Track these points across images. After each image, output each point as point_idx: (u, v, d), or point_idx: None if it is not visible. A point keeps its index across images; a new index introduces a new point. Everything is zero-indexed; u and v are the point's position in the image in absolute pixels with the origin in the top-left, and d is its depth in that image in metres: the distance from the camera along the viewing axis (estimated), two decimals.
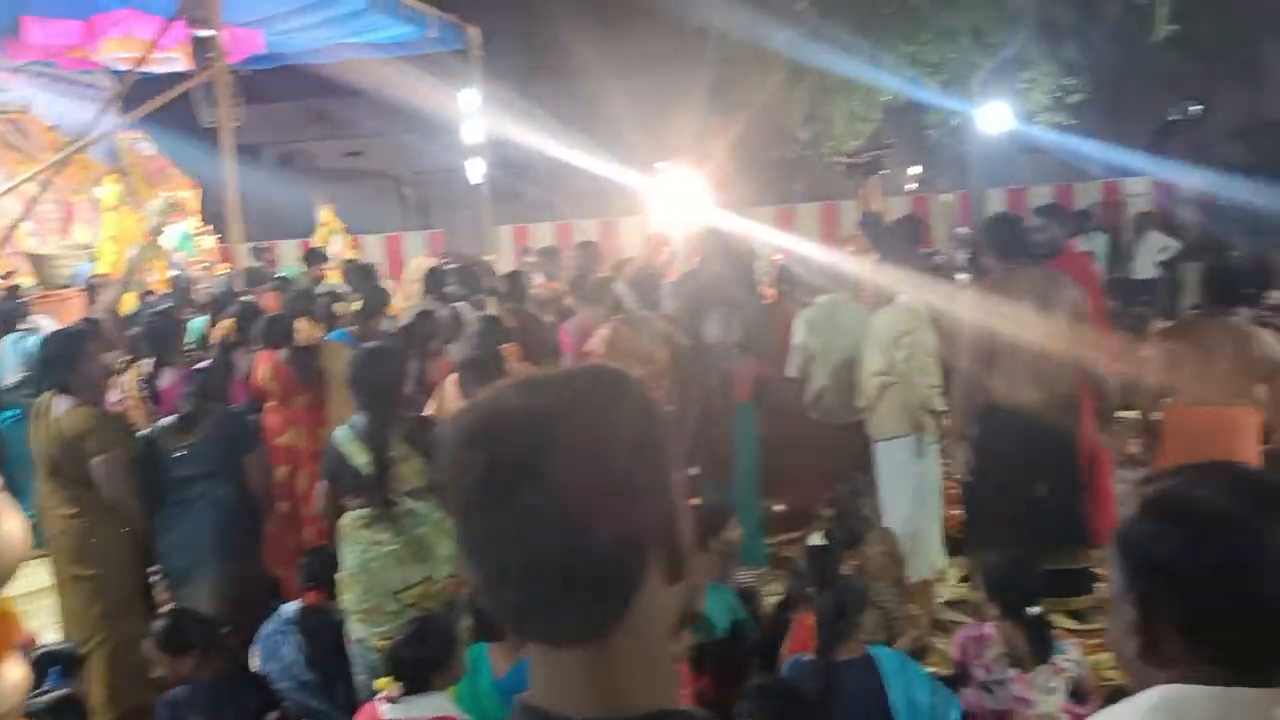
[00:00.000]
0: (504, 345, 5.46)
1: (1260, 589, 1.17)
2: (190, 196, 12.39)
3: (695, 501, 5.25)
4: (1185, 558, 1.20)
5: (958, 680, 3.86)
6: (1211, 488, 1.22)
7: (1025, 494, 4.93)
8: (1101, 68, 13.18)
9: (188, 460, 4.39)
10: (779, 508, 6.43)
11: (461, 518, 0.91)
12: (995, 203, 14.67)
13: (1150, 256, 13.11)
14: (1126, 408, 6.94)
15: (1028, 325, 4.85)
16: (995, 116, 11.72)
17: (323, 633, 4.04)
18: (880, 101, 12.16)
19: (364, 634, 3.87)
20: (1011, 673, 3.71)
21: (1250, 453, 4.94)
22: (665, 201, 11.24)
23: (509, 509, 0.88)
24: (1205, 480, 1.24)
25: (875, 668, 3.56)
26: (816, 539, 3.98)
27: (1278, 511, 1.20)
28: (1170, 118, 16.81)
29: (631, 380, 0.98)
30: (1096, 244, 13.58)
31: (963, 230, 13.76)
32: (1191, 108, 16.60)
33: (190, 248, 11.81)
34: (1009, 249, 5.15)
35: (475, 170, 12.94)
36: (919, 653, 4.47)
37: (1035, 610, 3.72)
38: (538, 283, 8.79)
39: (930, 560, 5.45)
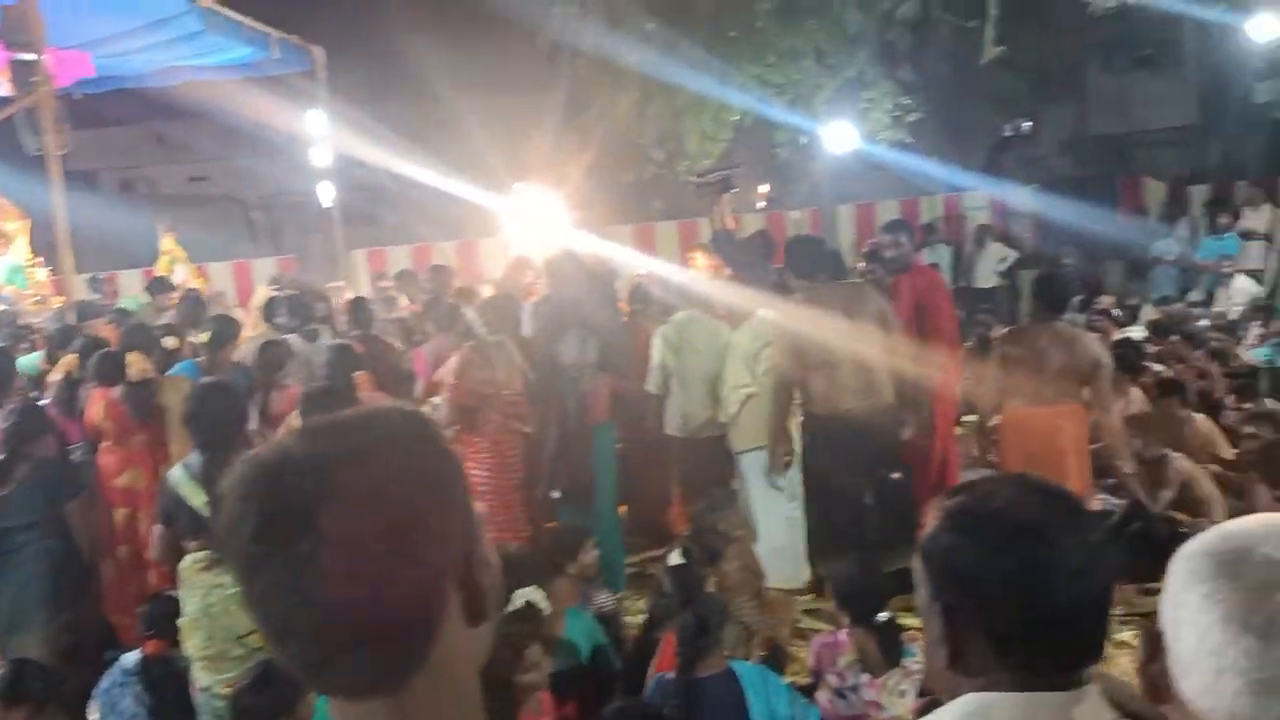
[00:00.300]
0: (355, 375, 5.33)
1: (1057, 596, 1.22)
2: (18, 227, 11.70)
3: (552, 526, 5.24)
4: (986, 568, 1.24)
5: (815, 688, 3.94)
6: (1008, 499, 1.27)
7: (855, 501, 5.12)
8: (937, 88, 13.78)
9: (3, 512, 4.13)
10: (641, 525, 6.48)
11: (241, 571, 0.87)
12: (845, 218, 15.15)
13: (991, 266, 13.78)
14: (969, 412, 7.28)
15: (842, 337, 5.06)
16: (840, 135, 12.11)
17: (165, 682, 3.86)
18: (730, 121, 12.42)
19: (208, 681, 3.71)
20: (864, 678, 3.81)
21: (1080, 448, 5.29)
22: (523, 222, 11.19)
23: (287, 562, 0.84)
24: (1002, 491, 1.29)
25: (736, 682, 3.61)
26: (675, 557, 4.01)
27: (1072, 521, 1.26)
28: (1005, 134, 17.67)
29: (421, 421, 0.96)
30: (941, 256, 14.18)
31: None
32: (1023, 125, 17.51)
33: (22, 281, 11.15)
34: (809, 269, 5.46)
35: (326, 194, 12.64)
36: (780, 663, 4.54)
37: (885, 616, 3.83)
38: (403, 305, 8.64)
39: (792, 571, 5.57)
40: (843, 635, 3.99)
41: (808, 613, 5.42)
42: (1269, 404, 7.09)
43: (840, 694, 3.83)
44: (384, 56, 15.09)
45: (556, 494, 5.45)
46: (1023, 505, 1.26)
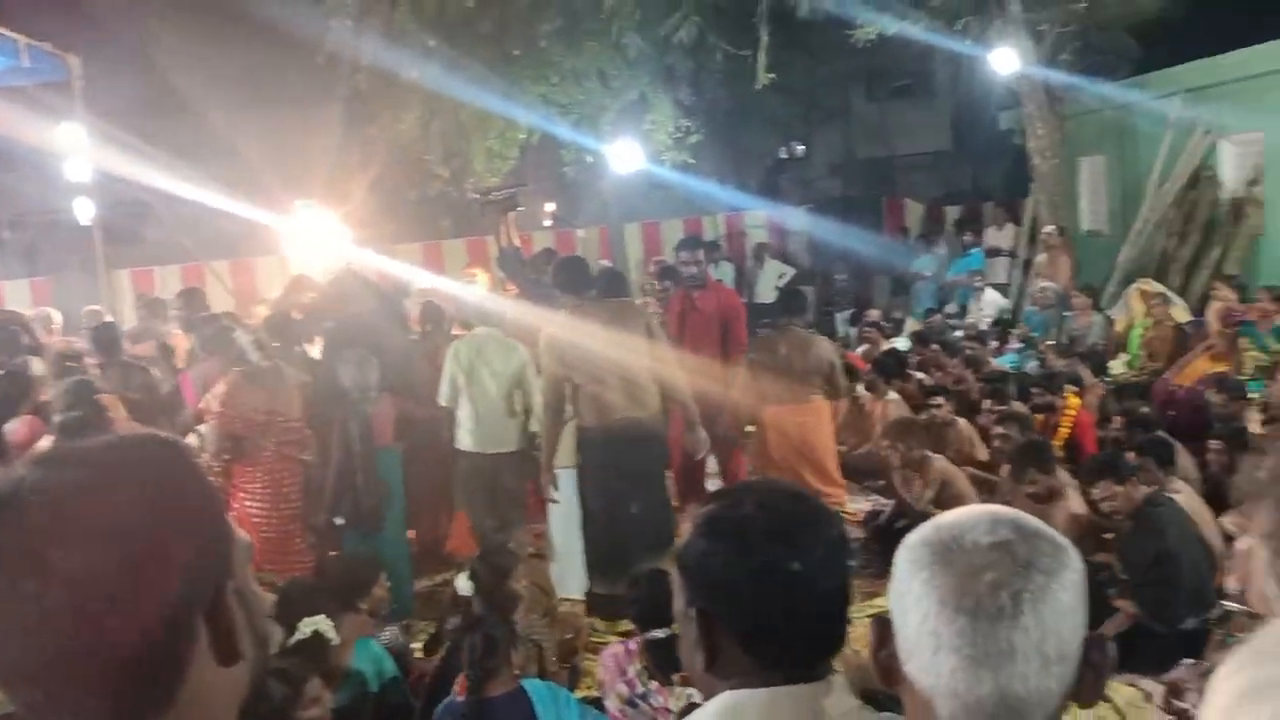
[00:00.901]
0: (102, 402, 4.99)
1: (802, 594, 1.30)
2: None
3: (341, 557, 5.08)
4: (735, 572, 1.31)
5: (605, 699, 3.99)
6: (756, 504, 1.35)
7: (624, 512, 5.27)
8: (716, 111, 14.28)
9: None
10: (429, 548, 6.37)
11: None
12: (632, 236, 15.46)
13: (770, 282, 14.38)
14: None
15: (610, 352, 5.23)
16: (625, 155, 12.35)
17: None
18: (517, 139, 12.46)
19: None
20: (653, 685, 3.89)
21: (827, 438, 6.05)
22: (304, 240, 10.82)
23: (12, 601, 0.80)
24: (750, 498, 1.37)
25: (527, 700, 3.60)
26: (462, 581, 3.98)
27: (814, 522, 1.35)
28: (780, 157, 18.53)
29: (170, 449, 0.93)
30: (724, 272, 14.69)
31: (604, 263, 14.41)
32: (797, 148, 18.42)
33: None
34: (577, 286, 5.63)
35: (84, 211, 11.78)
36: (573, 679, 4.57)
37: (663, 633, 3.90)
38: (173, 333, 8.18)
39: (577, 583, 5.62)
40: (632, 644, 4.05)
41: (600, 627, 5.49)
42: (1017, 406, 7.75)
43: (630, 703, 3.90)
44: (149, 67, 14.23)
45: (340, 520, 5.29)
46: (769, 510, 1.34)
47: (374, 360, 5.37)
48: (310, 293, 8.60)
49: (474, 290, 8.34)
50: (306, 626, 3.77)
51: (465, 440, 6.06)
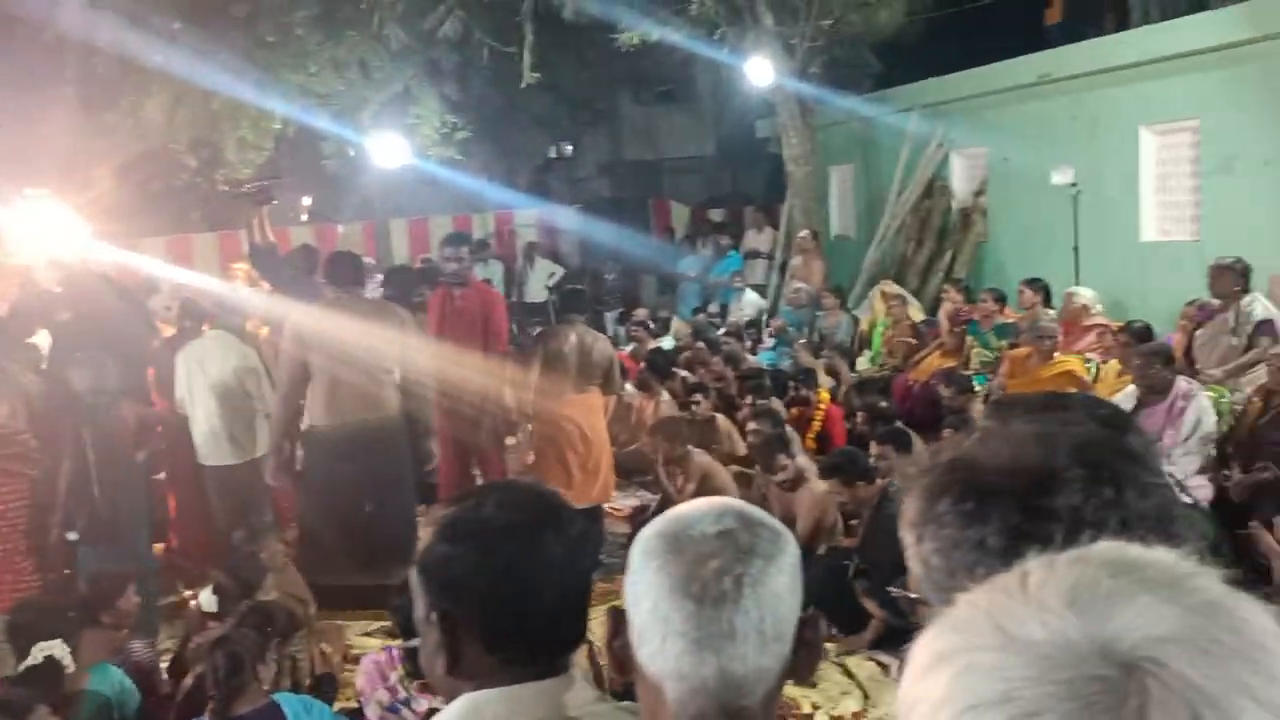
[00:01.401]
0: None
1: (543, 592, 1.32)
2: None
3: (91, 571, 4.70)
4: (477, 573, 1.31)
5: (365, 707, 3.89)
6: (495, 503, 1.36)
7: (357, 514, 5.20)
8: (485, 107, 14.18)
9: None
10: (180, 559, 6.01)
11: None
12: (398, 232, 15.13)
13: (541, 281, 14.44)
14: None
15: (352, 350, 5.17)
16: (389, 149, 12.06)
17: None
18: (272, 130, 11.91)
19: None
20: (414, 687, 3.82)
21: (603, 430, 6.30)
22: (34, 233, 9.92)
23: None
24: (490, 498, 1.38)
25: (280, 715, 3.47)
26: (205, 595, 3.78)
27: (554, 520, 1.37)
28: (550, 156, 18.60)
29: None
30: (493, 271, 14.62)
31: (369, 260, 14.01)
32: (566, 148, 18.56)
33: None
34: (343, 280, 5.60)
35: None
36: (330, 690, 4.43)
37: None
38: None
39: None
40: (395, 651, 3.98)
41: (365, 635, 5.34)
42: (775, 402, 8.13)
43: (392, 709, 3.82)
44: None
45: (73, 535, 4.90)
46: (509, 509, 1.35)
47: (109, 362, 5.00)
48: (39, 290, 7.92)
49: (233, 287, 7.93)
50: (40, 652, 3.53)
51: (200, 450, 5.81)
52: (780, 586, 1.12)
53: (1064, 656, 0.55)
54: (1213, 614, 0.57)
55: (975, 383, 7.76)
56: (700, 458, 6.96)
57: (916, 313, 10.12)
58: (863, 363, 9.86)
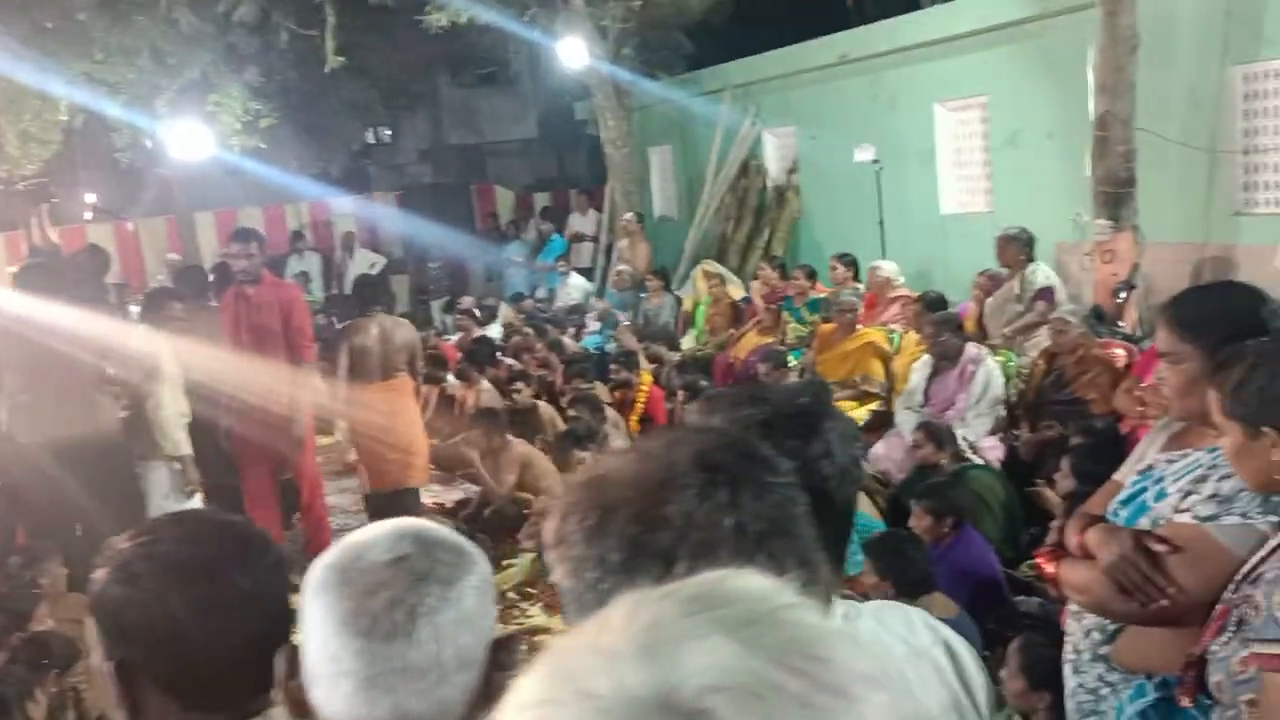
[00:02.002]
0: None
1: (227, 633, 1.21)
2: None
3: None
4: (153, 617, 1.19)
5: None
6: (172, 541, 1.24)
7: (68, 533, 4.92)
8: (293, 93, 13.61)
9: None
10: None
11: None
12: (205, 227, 14.41)
13: (362, 272, 14.01)
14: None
15: (56, 362, 4.82)
16: (188, 139, 11.41)
17: None
18: (57, 121, 11.10)
19: None
20: None
21: (414, 414, 6.40)
22: None
23: None
24: (166, 534, 1.26)
25: None
26: None
27: (241, 553, 1.25)
28: (368, 142, 18.05)
29: None
30: (310, 264, 14.12)
31: (173, 256, 13.29)
32: (384, 133, 18.03)
33: None
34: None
35: None
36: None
37: None
38: None
39: None
40: None
41: None
42: (598, 386, 8.12)
43: None
44: None
45: None
46: (189, 544, 1.24)
47: None
48: None
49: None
50: None
51: None
52: (465, 611, 1.06)
53: (625, 712, 0.51)
54: (784, 656, 0.53)
55: (792, 358, 7.94)
56: (520, 447, 6.89)
57: (737, 291, 10.28)
58: (687, 342, 9.96)
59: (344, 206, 15.62)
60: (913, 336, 6.84)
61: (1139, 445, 2.42)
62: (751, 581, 0.60)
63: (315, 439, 6.58)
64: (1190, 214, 7.22)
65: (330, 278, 14.38)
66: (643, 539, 0.82)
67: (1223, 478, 2.02)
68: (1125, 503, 2.23)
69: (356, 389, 6.06)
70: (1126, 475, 2.32)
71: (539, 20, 11.57)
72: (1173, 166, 7.16)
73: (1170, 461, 2.19)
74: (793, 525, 0.86)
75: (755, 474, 0.87)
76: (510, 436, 6.96)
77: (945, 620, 3.97)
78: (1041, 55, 8.19)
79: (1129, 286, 6.29)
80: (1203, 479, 2.07)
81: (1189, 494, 2.06)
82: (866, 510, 4.80)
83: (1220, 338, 2.02)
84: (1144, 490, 2.19)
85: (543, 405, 8.00)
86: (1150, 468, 2.23)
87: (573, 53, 11.39)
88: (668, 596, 0.58)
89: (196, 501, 5.45)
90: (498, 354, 9.66)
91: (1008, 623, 4.12)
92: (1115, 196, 6.75)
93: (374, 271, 14.51)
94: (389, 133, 17.79)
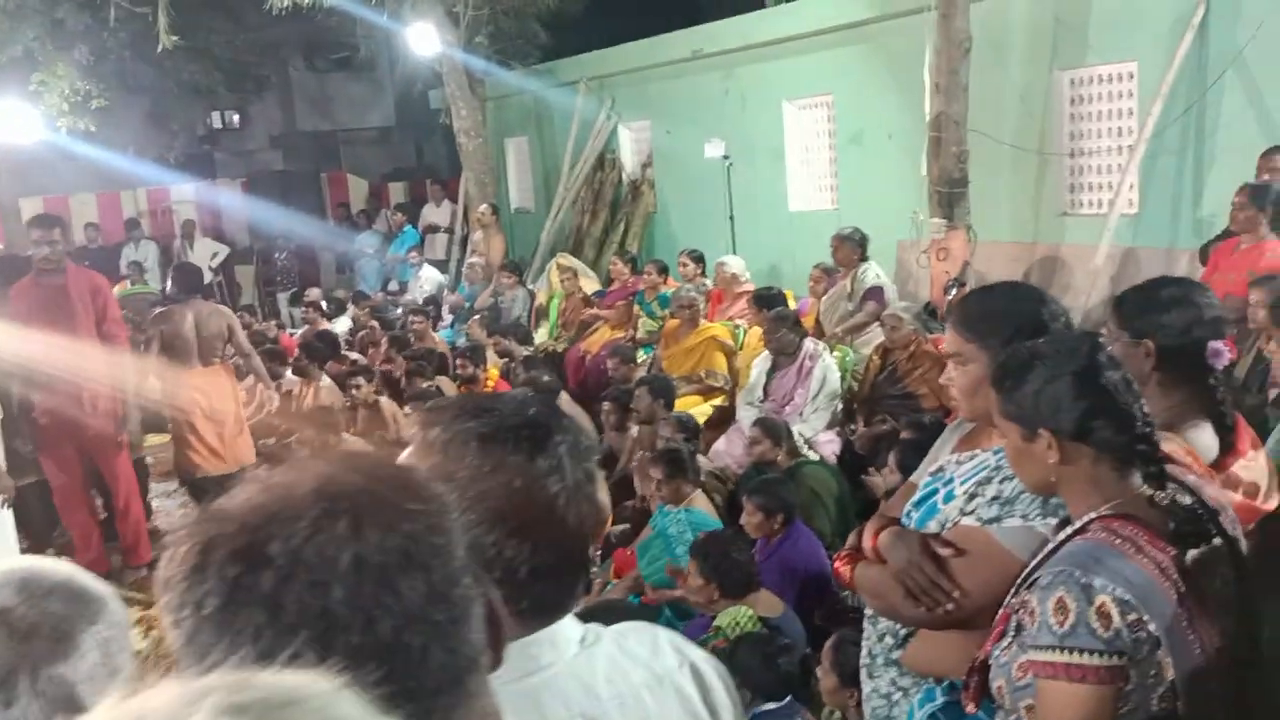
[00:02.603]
0: None
1: None
2: None
3: None
4: None
5: None
6: None
7: None
8: (124, 74, 12.89)
9: None
10: None
11: None
12: (32, 213, 13.49)
13: (204, 262, 13.37)
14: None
15: None
16: (11, 119, 10.65)
17: None
18: None
19: None
20: None
21: (234, 402, 6.50)
22: None
23: None
24: None
25: None
26: None
27: None
28: (214, 127, 17.25)
29: None
30: (147, 252, 13.42)
31: None
32: (232, 118, 17.25)
33: None
34: None
35: None
36: None
37: None
38: None
39: None
40: None
41: None
42: (443, 381, 7.91)
43: None
44: None
45: None
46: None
47: None
48: None
49: None
50: None
51: None
52: (89, 668, 0.92)
53: None
54: None
55: (643, 353, 7.90)
56: (357, 446, 6.65)
57: (591, 284, 10.20)
58: (541, 335, 9.83)
59: (185, 193, 14.93)
60: (756, 332, 6.87)
61: (933, 447, 2.42)
62: (279, 679, 0.55)
63: (136, 437, 6.27)
64: (1020, 214, 7.47)
65: (168, 267, 13.69)
66: (243, 581, 0.70)
67: (1005, 479, 2.02)
68: (918, 504, 2.22)
69: (171, 379, 6.13)
70: (921, 477, 2.31)
71: (389, 4, 11.23)
72: (1004, 167, 7.40)
73: (960, 463, 2.18)
74: (431, 557, 0.75)
75: (388, 500, 0.75)
76: (348, 435, 6.72)
77: (770, 619, 3.95)
78: (882, 56, 8.35)
79: (959, 284, 6.45)
80: (987, 480, 2.06)
81: (974, 496, 2.06)
82: (703, 508, 4.77)
83: (1003, 338, 2.02)
84: (935, 492, 2.18)
85: (385, 401, 7.75)
86: (941, 469, 2.22)
87: (423, 39, 11.10)
88: (195, 694, 0.50)
89: (7, 516, 5.07)
90: (341, 349, 9.35)
91: (835, 618, 4.14)
92: (949, 196, 6.92)
93: (215, 262, 13.91)
94: (237, 117, 17.02)
